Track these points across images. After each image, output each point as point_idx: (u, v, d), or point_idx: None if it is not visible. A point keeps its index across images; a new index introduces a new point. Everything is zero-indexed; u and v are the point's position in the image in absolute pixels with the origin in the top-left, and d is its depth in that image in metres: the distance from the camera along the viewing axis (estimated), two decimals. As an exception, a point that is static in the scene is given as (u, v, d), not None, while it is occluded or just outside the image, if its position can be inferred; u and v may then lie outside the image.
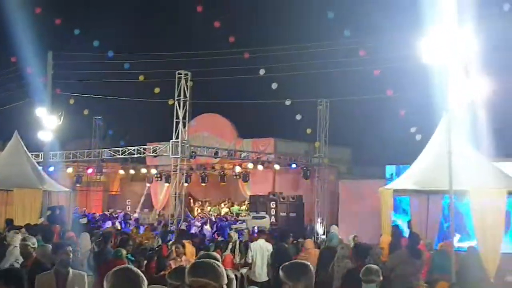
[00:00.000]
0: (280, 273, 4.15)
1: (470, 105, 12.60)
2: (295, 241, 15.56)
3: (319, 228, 26.23)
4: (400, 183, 13.50)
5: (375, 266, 5.55)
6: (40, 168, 19.72)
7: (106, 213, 31.25)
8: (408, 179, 13.18)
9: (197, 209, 32.46)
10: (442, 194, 13.00)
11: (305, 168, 27.20)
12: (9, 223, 15.08)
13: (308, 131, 26.91)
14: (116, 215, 28.99)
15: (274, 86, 24.56)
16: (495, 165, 12.90)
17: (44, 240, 10.22)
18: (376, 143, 26.30)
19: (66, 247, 6.78)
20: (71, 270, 6.64)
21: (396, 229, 13.95)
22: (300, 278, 4.07)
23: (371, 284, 5.63)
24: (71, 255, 6.78)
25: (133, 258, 10.90)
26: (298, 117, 26.16)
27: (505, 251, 12.33)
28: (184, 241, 12.39)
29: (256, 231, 19.30)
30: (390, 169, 22.96)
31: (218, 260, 5.08)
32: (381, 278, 5.73)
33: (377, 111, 26.34)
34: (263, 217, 24.85)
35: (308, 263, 4.24)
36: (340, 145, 29.54)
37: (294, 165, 27.69)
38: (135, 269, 3.56)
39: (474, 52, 11.10)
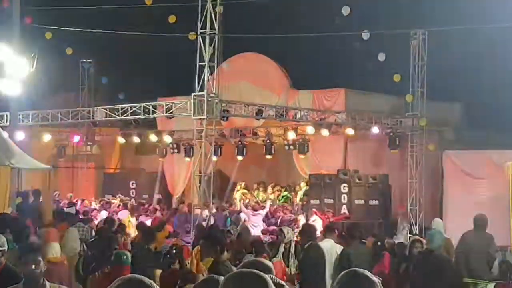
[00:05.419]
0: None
1: None
2: (378, 242, 15.44)
3: (414, 223, 26.05)
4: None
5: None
6: (6, 135, 19.94)
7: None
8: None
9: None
10: None
11: (391, 133, 26.97)
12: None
13: (397, 78, 26.56)
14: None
15: (345, 11, 24.25)
16: None
17: (15, 238, 10.38)
18: (498, 96, 25.83)
19: (33, 255, 6.98)
20: (47, 284, 6.80)
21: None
22: None
23: None
24: (41, 265, 6.91)
25: None
26: (381, 57, 25.86)
27: None
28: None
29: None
30: None
31: (270, 271, 5.02)
32: None
33: (498, 47, 25.78)
34: None
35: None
36: (444, 100, 29.33)
37: (375, 130, 27.46)
38: (147, 280, 3.65)
39: None
